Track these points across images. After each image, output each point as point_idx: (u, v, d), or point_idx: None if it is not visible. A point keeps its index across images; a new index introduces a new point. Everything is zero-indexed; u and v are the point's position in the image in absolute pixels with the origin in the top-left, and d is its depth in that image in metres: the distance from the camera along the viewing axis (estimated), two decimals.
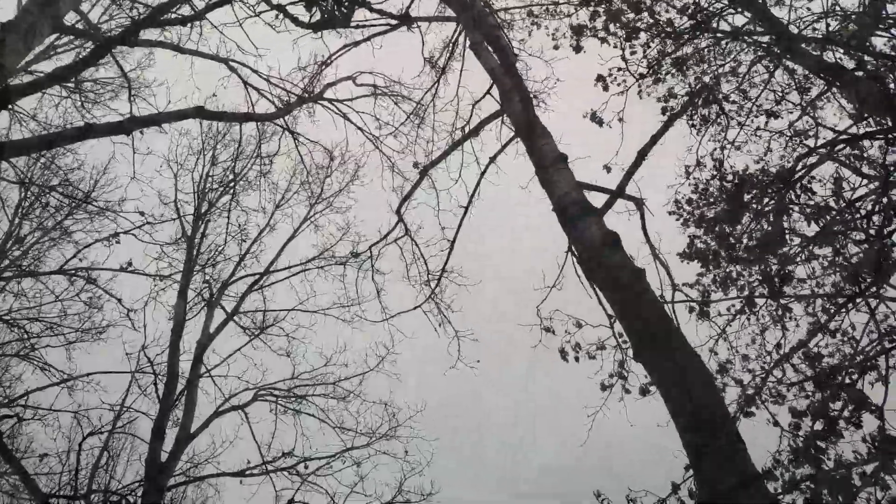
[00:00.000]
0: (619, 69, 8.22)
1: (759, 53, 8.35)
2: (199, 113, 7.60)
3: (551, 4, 9.30)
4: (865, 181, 6.83)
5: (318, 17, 8.29)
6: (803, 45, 6.88)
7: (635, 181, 6.73)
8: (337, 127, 13.91)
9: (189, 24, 8.12)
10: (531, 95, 7.92)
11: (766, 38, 7.92)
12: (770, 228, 6.84)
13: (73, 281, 11.19)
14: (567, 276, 7.88)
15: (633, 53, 7.96)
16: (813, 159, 7.43)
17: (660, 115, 8.24)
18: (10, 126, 11.06)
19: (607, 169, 7.41)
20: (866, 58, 6.53)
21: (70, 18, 7.99)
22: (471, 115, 9.89)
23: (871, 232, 6.31)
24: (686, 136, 8.63)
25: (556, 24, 9.04)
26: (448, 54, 10.52)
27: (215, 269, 13.72)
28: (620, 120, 7.88)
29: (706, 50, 8.44)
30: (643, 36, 7.56)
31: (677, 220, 8.21)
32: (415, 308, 9.68)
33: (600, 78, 7.90)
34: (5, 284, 10.92)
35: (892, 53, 6.66)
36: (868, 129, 7.11)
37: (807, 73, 7.37)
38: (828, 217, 6.56)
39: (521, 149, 7.75)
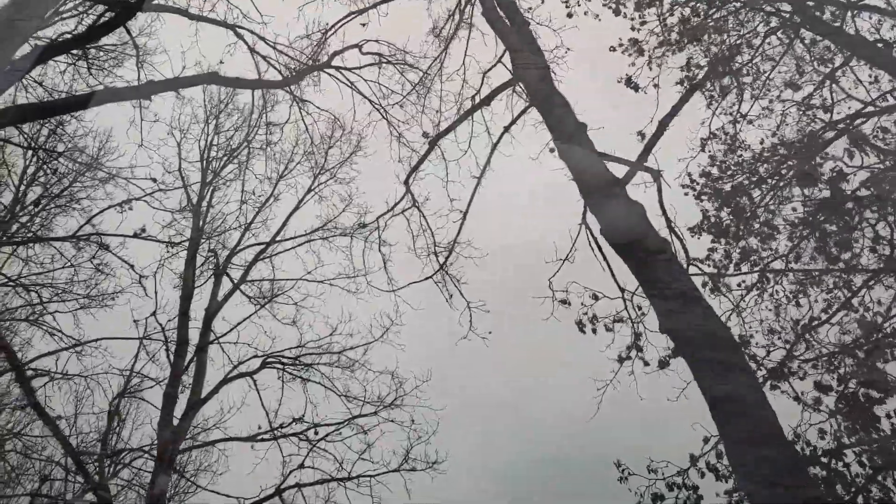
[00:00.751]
0: (635, 41, 8.17)
1: (773, 25, 8.28)
2: (214, 79, 7.58)
3: None
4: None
5: None
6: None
7: (653, 154, 6.73)
8: (343, 97, 13.85)
9: None
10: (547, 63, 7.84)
11: (786, 7, 7.85)
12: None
13: (82, 247, 11.17)
14: (579, 248, 7.90)
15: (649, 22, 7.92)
16: (830, 134, 7.43)
17: (675, 87, 8.22)
18: (16, 92, 10.92)
19: (641, 135, 7.43)
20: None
21: None
22: (481, 85, 9.77)
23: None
24: (699, 109, 8.62)
25: None
26: (454, 24, 10.38)
27: (222, 237, 13.77)
28: (656, 86, 7.93)
29: (723, 20, 8.38)
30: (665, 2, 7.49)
31: (686, 194, 8.20)
32: (426, 279, 9.70)
33: (634, 41, 7.91)
34: (14, 249, 10.91)
35: None
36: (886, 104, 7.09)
37: (829, 43, 7.31)
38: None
39: (529, 119, 7.75)
